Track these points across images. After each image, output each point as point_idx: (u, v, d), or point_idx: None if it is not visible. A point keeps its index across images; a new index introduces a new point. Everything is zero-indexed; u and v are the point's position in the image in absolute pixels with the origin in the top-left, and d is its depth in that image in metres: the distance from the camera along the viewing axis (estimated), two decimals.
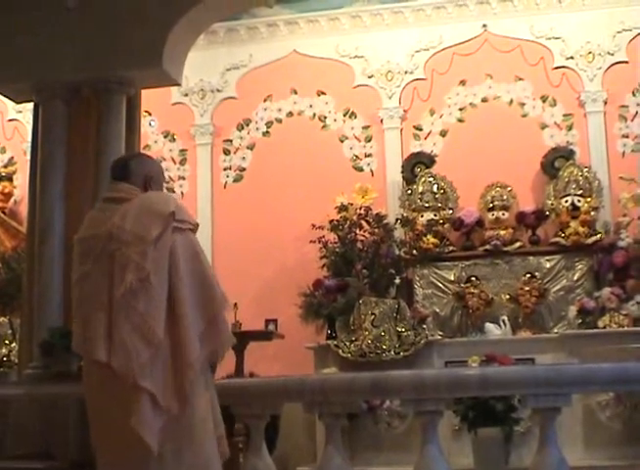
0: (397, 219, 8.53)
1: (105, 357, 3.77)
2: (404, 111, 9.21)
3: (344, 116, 9.37)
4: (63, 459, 5.07)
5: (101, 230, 3.96)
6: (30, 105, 6.31)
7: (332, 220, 8.45)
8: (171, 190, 9.58)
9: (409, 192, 8.64)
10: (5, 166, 9.99)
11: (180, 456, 3.75)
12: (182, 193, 9.63)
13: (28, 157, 6.95)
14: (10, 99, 6.55)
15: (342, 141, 9.33)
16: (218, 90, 9.72)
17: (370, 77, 9.34)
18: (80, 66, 5.69)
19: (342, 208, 8.56)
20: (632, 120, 8.80)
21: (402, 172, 8.85)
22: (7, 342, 8.77)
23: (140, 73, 5.69)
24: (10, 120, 10.29)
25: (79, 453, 5.13)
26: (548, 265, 8.34)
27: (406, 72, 9.29)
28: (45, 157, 5.79)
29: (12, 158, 10.07)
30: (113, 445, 3.81)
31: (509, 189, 8.61)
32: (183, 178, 9.68)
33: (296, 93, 9.50)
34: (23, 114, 9.85)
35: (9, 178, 9.88)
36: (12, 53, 5.88)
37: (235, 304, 8.22)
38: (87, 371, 3.93)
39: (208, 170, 9.53)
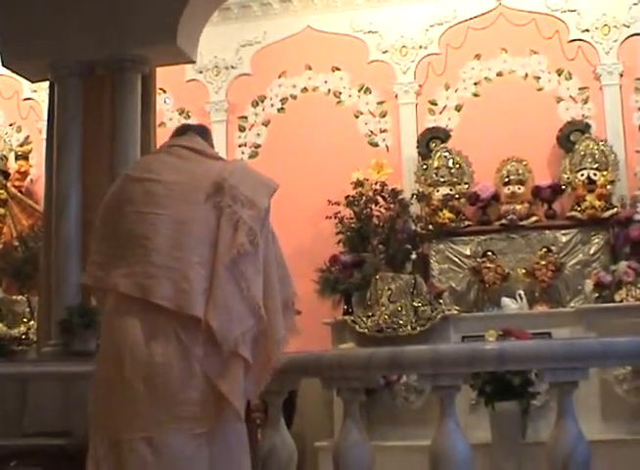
0: (413, 194, 8.51)
1: (202, 315, 3.49)
2: (419, 86, 9.18)
3: (359, 91, 9.34)
4: (81, 437, 5.10)
5: (195, 178, 3.74)
6: (45, 84, 6.33)
7: (347, 196, 8.45)
8: None
9: (424, 167, 8.62)
10: (21, 145, 10.02)
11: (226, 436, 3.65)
12: None
13: (44, 136, 6.97)
14: (25, 78, 6.57)
15: (356, 117, 9.31)
16: (233, 67, 9.71)
17: (384, 53, 9.31)
18: (95, 44, 5.70)
19: (358, 183, 8.55)
20: None
21: (417, 147, 8.83)
22: (25, 320, 8.82)
23: (154, 51, 5.69)
24: (25, 100, 10.31)
25: None
26: (564, 239, 8.32)
27: (420, 47, 9.25)
28: (61, 135, 5.80)
29: (27, 137, 10.09)
30: (149, 410, 3.46)
31: (524, 163, 8.57)
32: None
33: (310, 69, 9.47)
34: (39, 93, 9.86)
35: (25, 157, 9.91)
36: (27, 32, 5.89)
37: None
38: (137, 321, 3.52)
39: (224, 147, 9.52)
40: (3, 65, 6.04)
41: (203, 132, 4.02)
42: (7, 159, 9.94)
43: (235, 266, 3.61)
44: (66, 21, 5.79)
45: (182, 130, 4.02)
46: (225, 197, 3.69)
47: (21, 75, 6.50)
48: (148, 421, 3.43)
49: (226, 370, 3.52)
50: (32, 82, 6.95)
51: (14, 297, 9.03)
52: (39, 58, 5.90)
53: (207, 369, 3.49)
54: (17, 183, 9.87)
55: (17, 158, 9.94)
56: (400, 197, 8.42)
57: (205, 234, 3.63)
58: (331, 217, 8.39)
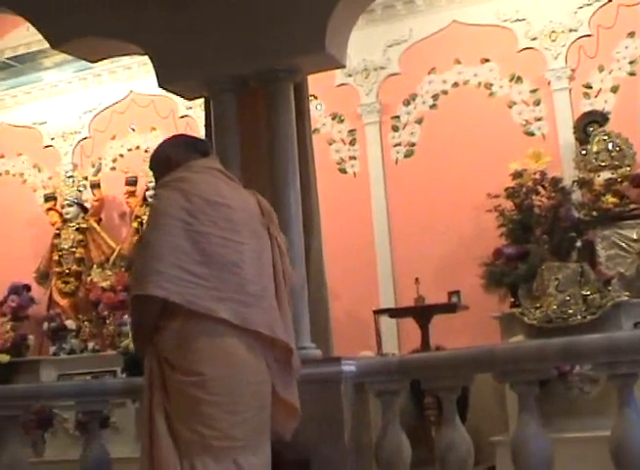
0: (574, 181, 8.35)
1: (285, 338, 3.93)
2: (572, 70, 9.01)
3: (510, 81, 9.23)
4: None
5: (247, 205, 4.00)
6: (200, 100, 6.47)
7: (507, 188, 8.35)
8: (343, 171, 9.68)
9: (584, 152, 8.45)
10: None
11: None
12: (354, 173, 9.71)
13: None
14: (182, 96, 6.73)
15: (510, 107, 9.20)
16: (381, 68, 9.74)
17: (533, 40, 9.17)
18: (247, 58, 5.79)
19: (517, 174, 8.44)
20: None
21: (575, 133, 8.67)
22: None
23: (305, 60, 5.74)
24: (181, 117, 10.61)
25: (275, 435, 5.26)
26: None
27: (570, 31, 9.07)
28: (219, 149, 5.91)
29: None
30: (261, 424, 3.89)
31: None
32: (354, 158, 9.76)
33: (459, 63, 9.42)
34: (193, 109, 10.15)
35: None
36: (181, 52, 6.03)
37: (417, 279, 8.29)
38: (242, 345, 3.79)
39: (379, 148, 9.57)
40: (159, 86, 6.21)
41: (209, 149, 4.26)
42: None
43: (287, 292, 4.07)
44: (216, 38, 5.91)
45: (202, 150, 4.16)
46: (272, 225, 4.07)
47: (176, 94, 6.67)
48: (254, 436, 3.83)
49: (292, 385, 4.04)
50: (188, 100, 7.12)
51: None
52: (193, 77, 6.03)
53: (277, 384, 3.93)
54: None
55: None
56: (561, 185, 8.27)
57: (269, 262, 3.98)
58: (491, 211, 8.31)
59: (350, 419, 5.16)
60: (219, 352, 3.74)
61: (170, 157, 4.10)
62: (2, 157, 11.76)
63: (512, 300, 8.07)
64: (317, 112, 9.69)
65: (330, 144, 9.82)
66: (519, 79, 9.20)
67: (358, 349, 7.66)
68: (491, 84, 9.28)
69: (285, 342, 3.90)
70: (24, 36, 10.40)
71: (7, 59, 11.17)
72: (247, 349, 3.78)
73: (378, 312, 8.55)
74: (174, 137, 4.40)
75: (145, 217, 10.06)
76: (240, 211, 3.93)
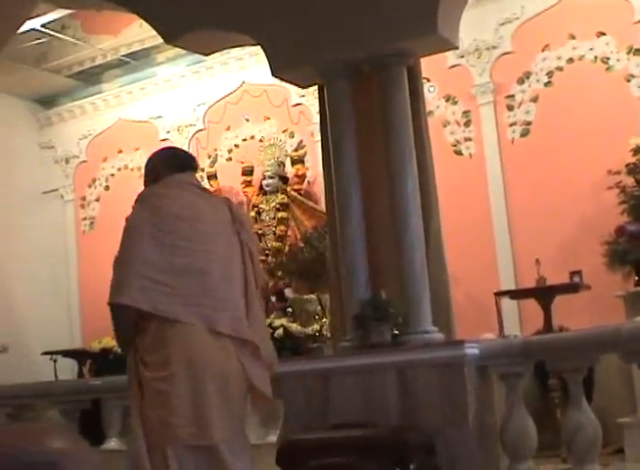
0: None
1: (250, 337, 4.28)
2: None
3: (628, 54, 8.99)
4: (384, 427, 5.22)
5: (219, 216, 4.39)
6: (312, 87, 6.50)
7: (628, 164, 8.16)
8: (459, 153, 9.61)
9: None
10: (295, 150, 10.37)
11: None
12: (470, 155, 9.62)
13: (316, 138, 7.19)
14: (295, 85, 6.77)
15: (628, 81, 8.96)
16: (494, 47, 9.61)
17: None
18: (359, 44, 5.79)
19: (638, 149, 8.24)
20: None
21: None
22: (317, 317, 9.12)
23: (417, 43, 5.71)
24: (294, 105, 10.66)
25: (400, 419, 5.28)
26: None
27: None
28: (335, 136, 5.94)
29: (301, 141, 10.43)
30: (230, 413, 4.20)
31: None
32: (469, 139, 9.66)
33: (574, 38, 9.22)
34: (306, 97, 10.18)
35: (300, 161, 10.25)
36: (293, 41, 6.07)
37: (537, 259, 8.17)
38: (209, 343, 4.19)
39: (494, 129, 9.46)
40: (272, 75, 6.25)
41: (195, 163, 4.66)
42: (284, 164, 10.32)
43: (257, 294, 4.40)
44: (328, 24, 5.92)
45: (183, 165, 4.52)
46: (243, 232, 4.41)
47: (290, 83, 6.71)
48: (225, 426, 4.16)
49: (264, 376, 4.34)
50: (302, 88, 7.15)
51: (305, 296, 9.35)
52: (306, 64, 6.06)
53: (251, 375, 4.25)
54: (296, 186, 10.24)
55: (293, 162, 10.30)
56: None
57: (238, 267, 4.35)
58: (612, 188, 8.13)
59: (474, 402, 5.14)
60: (187, 351, 4.14)
61: (154, 169, 4.54)
62: (120, 152, 12.00)
63: (636, 278, 7.89)
64: (430, 94, 9.62)
65: (444, 126, 9.75)
66: (637, 51, 8.95)
67: (480, 331, 7.59)
68: (608, 58, 9.05)
69: (248, 339, 4.24)
70: (138, 33, 10.59)
71: (122, 56, 11.39)
72: (216, 347, 4.18)
73: (499, 294, 8.47)
74: (161, 151, 4.83)
75: (262, 206, 10.18)
76: (209, 222, 4.35)
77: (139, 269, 4.16)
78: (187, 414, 4.09)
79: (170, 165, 4.48)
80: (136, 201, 4.42)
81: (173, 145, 4.95)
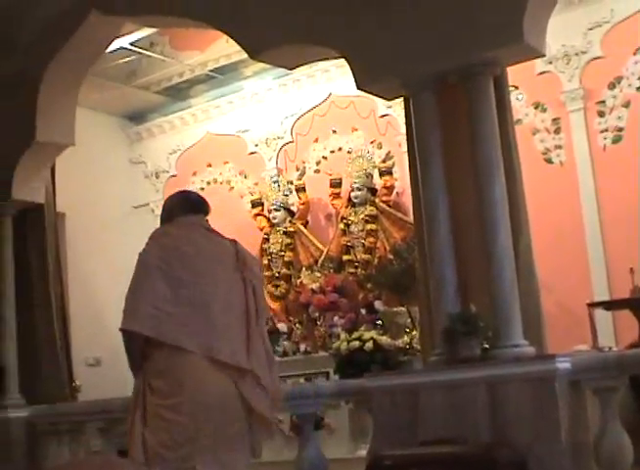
0: None
1: (249, 366, 4.70)
2: None
3: None
4: (474, 443, 5.13)
5: (223, 255, 4.89)
6: (399, 98, 6.45)
7: None
8: (549, 161, 9.47)
9: None
10: (383, 161, 10.34)
11: None
12: (561, 162, 9.47)
13: (404, 149, 7.14)
14: (380, 97, 6.74)
15: None
16: (583, 52, 9.44)
17: None
18: (444, 54, 5.73)
19: None
20: None
21: None
22: (407, 330, 9.05)
23: (503, 52, 5.62)
24: (382, 116, 10.63)
25: (490, 436, 5.18)
26: None
27: None
28: (421, 148, 5.89)
29: (388, 152, 10.40)
30: (224, 431, 4.62)
31: None
32: (559, 147, 9.50)
33: None
34: (393, 108, 10.14)
35: (389, 172, 10.21)
36: (377, 53, 6.04)
37: (631, 269, 8.00)
38: (210, 371, 4.63)
39: (585, 136, 9.29)
40: (358, 88, 6.22)
41: (207, 207, 5.11)
42: (372, 176, 10.29)
43: (258, 326, 4.85)
44: (412, 36, 5.88)
45: (194, 209, 5.03)
46: (246, 270, 4.87)
47: (375, 95, 6.67)
48: (215, 447, 4.58)
49: (265, 400, 4.78)
50: (387, 100, 7.11)
51: (394, 309, 9.30)
52: (391, 77, 6.02)
53: (251, 400, 4.70)
54: (384, 198, 10.20)
55: (381, 174, 10.26)
56: None
57: (240, 301, 4.79)
58: None
59: (567, 418, 5.03)
60: (189, 379, 4.59)
61: (168, 211, 5.08)
62: (209, 166, 12.10)
63: None
64: (518, 102, 9.50)
65: (533, 134, 9.61)
66: None
67: (572, 343, 7.45)
68: None
69: (246, 368, 4.69)
70: (225, 48, 10.65)
71: (209, 71, 11.49)
72: (216, 374, 4.63)
73: (592, 305, 8.30)
74: (176, 194, 5.27)
75: (351, 218, 10.15)
76: (211, 260, 4.84)
77: (147, 299, 4.63)
78: (185, 438, 4.53)
79: (182, 208, 5.02)
80: (150, 238, 4.90)
81: (189, 189, 5.54)
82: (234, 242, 5.03)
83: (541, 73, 9.60)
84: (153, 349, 4.64)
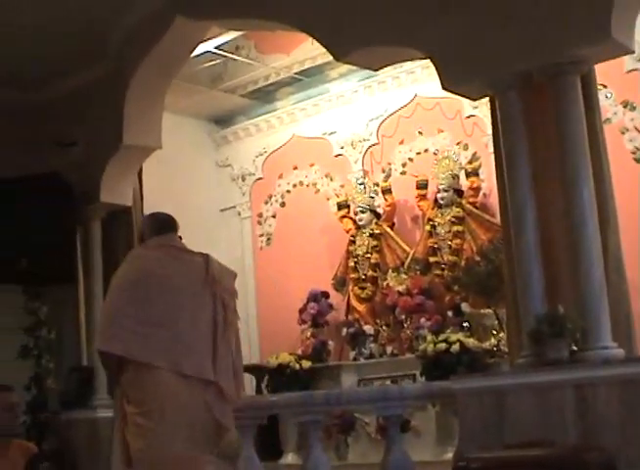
0: None
1: (214, 378, 5.13)
2: None
3: None
4: (562, 446, 5.07)
5: (193, 274, 5.27)
6: (485, 98, 6.41)
7: None
8: (638, 161, 9.30)
9: None
10: (470, 162, 10.25)
11: None
12: None
13: (490, 149, 7.07)
14: (466, 97, 6.70)
15: None
16: None
17: None
18: (529, 53, 5.67)
19: None
20: None
21: None
22: (494, 332, 8.98)
23: (590, 50, 5.54)
24: (468, 117, 10.54)
25: (578, 439, 5.11)
26: None
27: None
28: (508, 148, 5.84)
29: (475, 153, 10.30)
30: (194, 444, 5.06)
31: None
32: None
33: None
34: (479, 108, 10.04)
35: (475, 173, 10.12)
36: (462, 53, 6.01)
37: None
38: (181, 384, 5.09)
39: None
40: (443, 88, 6.20)
41: (175, 225, 5.49)
42: (458, 177, 10.21)
43: (229, 341, 5.27)
44: (497, 35, 5.83)
45: (164, 228, 5.44)
46: (216, 285, 5.25)
47: (461, 96, 6.63)
48: (188, 451, 5.04)
49: (227, 411, 5.26)
50: (473, 100, 7.06)
51: (481, 311, 9.23)
52: (477, 77, 5.98)
53: (216, 412, 5.15)
54: (471, 199, 10.11)
55: (467, 175, 10.17)
56: None
57: (207, 315, 5.20)
58: None
59: None
60: (158, 392, 5.02)
61: (142, 232, 5.58)
62: (295, 168, 12.14)
63: None
64: (607, 100, 9.34)
65: (623, 133, 9.44)
66: None
67: None
68: None
69: (210, 379, 5.13)
70: (310, 50, 10.69)
71: (295, 73, 11.53)
72: (184, 387, 5.07)
73: None
74: (147, 216, 5.78)
75: (437, 220, 10.10)
76: (179, 279, 5.24)
77: (118, 321, 5.10)
78: (159, 443, 4.94)
79: (152, 229, 5.45)
80: (124, 261, 5.42)
81: (157, 211, 5.85)
82: (205, 257, 5.42)
83: (630, 71, 9.41)
84: (127, 364, 5.11)
